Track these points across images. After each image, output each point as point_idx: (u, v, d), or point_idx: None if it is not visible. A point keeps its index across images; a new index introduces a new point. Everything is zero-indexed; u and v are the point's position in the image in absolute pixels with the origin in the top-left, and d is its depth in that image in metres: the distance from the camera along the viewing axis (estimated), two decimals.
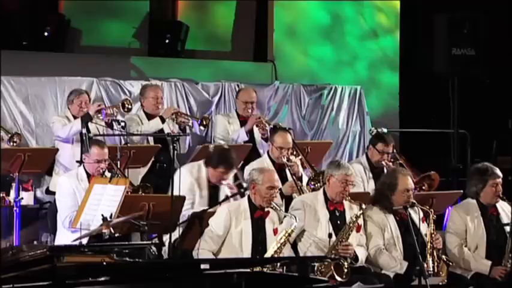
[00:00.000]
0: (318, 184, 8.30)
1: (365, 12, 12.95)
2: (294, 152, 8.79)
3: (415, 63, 12.69)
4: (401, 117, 12.82)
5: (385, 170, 8.99)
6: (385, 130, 11.78)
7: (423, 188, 9.04)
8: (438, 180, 9.21)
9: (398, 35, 13.00)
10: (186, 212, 7.78)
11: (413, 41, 12.83)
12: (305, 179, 8.63)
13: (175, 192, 7.49)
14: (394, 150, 9.33)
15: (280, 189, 7.92)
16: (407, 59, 12.90)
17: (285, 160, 8.52)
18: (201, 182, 8.05)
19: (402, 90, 12.91)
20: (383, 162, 9.02)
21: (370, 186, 8.90)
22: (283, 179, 8.49)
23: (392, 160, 9.13)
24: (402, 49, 12.96)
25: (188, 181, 7.99)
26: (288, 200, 8.35)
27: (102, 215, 7.09)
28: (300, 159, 8.74)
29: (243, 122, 9.79)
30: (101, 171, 7.86)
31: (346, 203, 7.82)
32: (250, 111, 9.80)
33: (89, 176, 7.88)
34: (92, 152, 7.90)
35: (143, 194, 8.19)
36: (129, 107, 9.34)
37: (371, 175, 9.04)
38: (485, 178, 8.20)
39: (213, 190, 8.11)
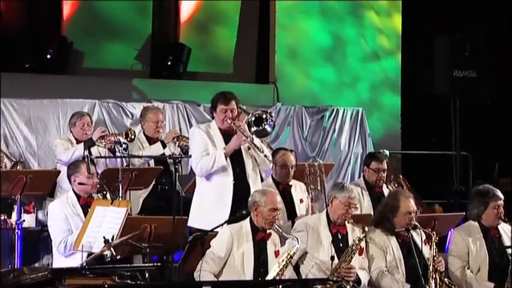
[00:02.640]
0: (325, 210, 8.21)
1: (366, 34, 12.99)
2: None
3: (416, 85, 12.71)
4: (403, 138, 12.83)
5: (384, 191, 9.04)
6: (387, 152, 11.81)
7: None
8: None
9: (400, 56, 13.03)
10: (198, 161, 7.82)
11: (414, 62, 12.85)
12: (304, 201, 8.65)
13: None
14: (401, 176, 9.38)
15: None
16: (409, 80, 12.92)
17: (289, 180, 8.53)
18: (212, 133, 7.97)
19: (404, 112, 12.92)
20: (380, 182, 9.06)
21: (367, 207, 8.94)
22: (287, 202, 8.49)
23: (390, 181, 9.17)
24: (403, 71, 12.99)
25: (199, 137, 7.99)
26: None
27: (104, 237, 7.08)
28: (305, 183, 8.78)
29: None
30: (96, 185, 7.81)
31: (348, 226, 7.81)
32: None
33: (78, 198, 7.83)
34: (79, 171, 7.85)
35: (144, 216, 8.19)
36: (133, 137, 9.33)
37: (368, 197, 9.06)
38: (487, 200, 8.20)
39: (227, 137, 7.98)
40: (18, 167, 9.23)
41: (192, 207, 8.04)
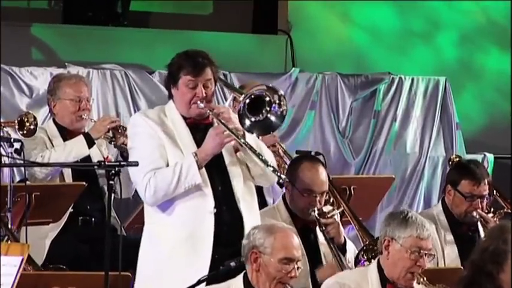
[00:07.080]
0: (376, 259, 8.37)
1: None
2: (331, 199, 8.86)
3: None
4: None
5: (481, 229, 9.15)
6: (490, 156, 11.85)
7: None
8: None
9: None
10: (149, 178, 7.80)
11: None
12: (350, 247, 8.73)
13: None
14: (494, 191, 9.43)
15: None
16: None
17: (315, 214, 8.60)
18: (170, 126, 7.90)
19: None
20: (475, 214, 9.15)
21: (449, 257, 9.08)
22: (311, 246, 8.58)
23: (491, 209, 9.24)
24: None
25: (147, 133, 7.91)
26: None
27: None
28: (341, 212, 8.83)
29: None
30: None
31: None
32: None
33: None
34: None
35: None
36: (32, 127, 9.37)
37: (451, 238, 9.19)
38: None
39: (198, 133, 7.98)
40: None
41: (139, 258, 8.10)
